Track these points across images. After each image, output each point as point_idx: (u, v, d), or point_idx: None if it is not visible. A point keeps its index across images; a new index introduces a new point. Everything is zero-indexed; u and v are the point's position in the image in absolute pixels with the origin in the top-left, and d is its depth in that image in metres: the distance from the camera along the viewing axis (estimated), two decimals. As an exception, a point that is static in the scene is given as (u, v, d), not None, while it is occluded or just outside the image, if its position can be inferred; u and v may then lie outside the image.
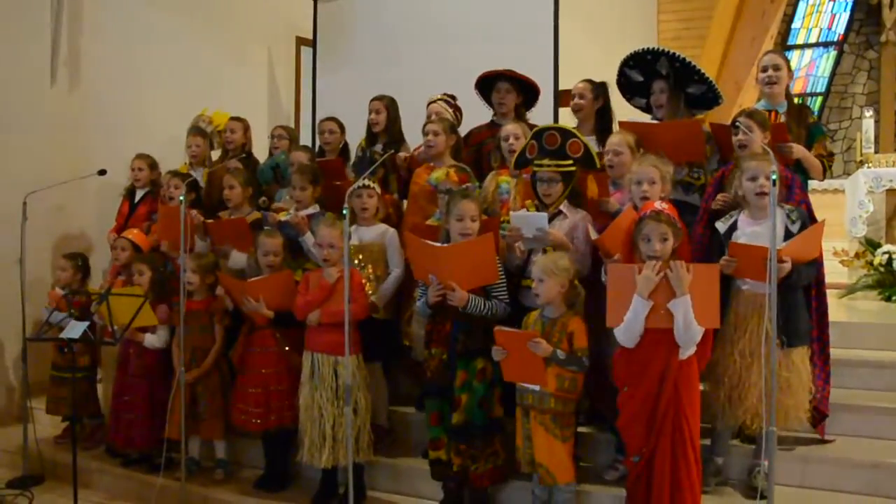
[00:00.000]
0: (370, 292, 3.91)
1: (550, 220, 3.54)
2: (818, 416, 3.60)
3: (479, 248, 3.37)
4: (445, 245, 3.46)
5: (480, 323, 3.39)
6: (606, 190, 3.77)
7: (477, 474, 3.45)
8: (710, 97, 4.20)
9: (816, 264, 3.37)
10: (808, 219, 3.39)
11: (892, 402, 3.85)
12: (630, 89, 4.40)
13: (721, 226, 3.39)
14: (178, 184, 4.59)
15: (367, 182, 3.98)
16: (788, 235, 3.24)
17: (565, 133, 3.65)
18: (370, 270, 4.00)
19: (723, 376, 3.30)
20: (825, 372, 3.60)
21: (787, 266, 3.10)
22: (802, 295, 3.39)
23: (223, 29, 6.70)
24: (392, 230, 4.08)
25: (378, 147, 4.71)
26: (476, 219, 3.49)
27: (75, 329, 3.44)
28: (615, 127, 4.28)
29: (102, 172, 4.73)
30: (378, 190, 4.08)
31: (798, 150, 3.89)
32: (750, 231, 3.31)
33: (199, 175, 5.06)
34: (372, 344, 3.86)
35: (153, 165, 5.05)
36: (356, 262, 3.97)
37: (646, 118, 4.34)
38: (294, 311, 3.75)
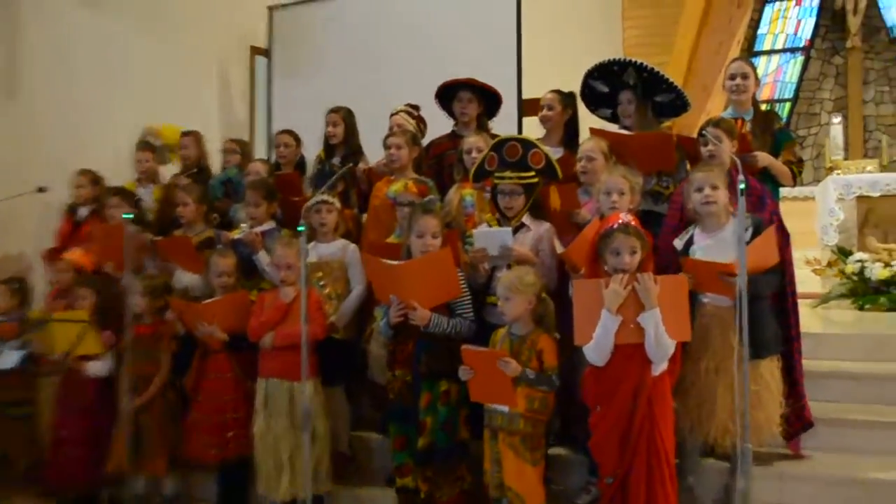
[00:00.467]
0: (330, 311, 3.86)
1: (514, 232, 3.54)
2: (802, 425, 3.62)
3: (438, 263, 3.34)
4: (400, 263, 3.43)
5: (444, 343, 3.36)
6: (574, 200, 3.78)
7: (442, 502, 3.40)
8: (678, 104, 4.26)
9: (779, 272, 3.39)
10: (763, 226, 3.41)
11: (869, 415, 3.88)
12: (594, 100, 4.43)
13: (678, 243, 3.43)
14: (118, 202, 4.50)
15: (325, 197, 3.94)
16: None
17: (526, 144, 3.66)
18: (330, 289, 3.96)
19: (690, 391, 3.31)
20: (801, 382, 3.63)
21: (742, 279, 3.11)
22: (768, 304, 3.40)
23: (173, 38, 6.60)
24: (353, 246, 4.05)
25: (336, 160, 4.69)
26: (438, 235, 3.46)
27: (9, 358, 3.33)
28: (583, 137, 4.30)
29: (42, 189, 4.62)
30: (337, 205, 4.05)
31: (763, 157, 3.94)
32: (704, 245, 3.34)
33: (149, 192, 4.98)
34: (332, 366, 3.82)
35: (96, 181, 4.92)
36: (315, 280, 3.92)
37: (612, 128, 4.36)
38: (248, 333, 3.69)
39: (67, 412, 4.15)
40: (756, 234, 3.25)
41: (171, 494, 4.12)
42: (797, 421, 3.64)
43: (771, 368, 3.36)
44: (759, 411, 3.22)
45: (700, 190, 3.33)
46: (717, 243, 3.31)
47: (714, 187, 3.31)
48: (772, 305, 3.43)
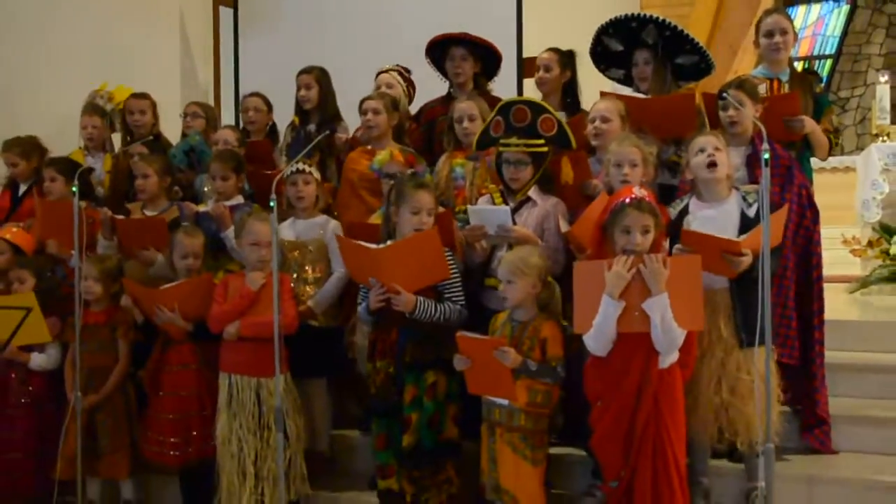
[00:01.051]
0: (308, 295, 3.93)
1: (518, 207, 3.60)
2: (816, 421, 3.73)
3: (423, 245, 3.39)
4: (380, 247, 3.47)
5: (431, 330, 3.42)
6: (587, 171, 3.81)
7: (428, 506, 3.49)
8: (701, 67, 4.30)
9: (779, 253, 3.45)
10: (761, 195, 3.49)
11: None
12: (606, 59, 4.48)
13: (672, 211, 3.47)
14: (54, 175, 4.53)
15: (302, 166, 3.98)
16: (745, 220, 3.33)
17: (536, 108, 3.69)
18: (309, 272, 4.01)
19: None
20: (822, 374, 3.75)
21: (748, 259, 3.18)
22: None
23: (125, -13, 6.63)
24: (335, 222, 4.08)
25: (311, 127, 4.72)
26: (433, 212, 3.51)
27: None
28: (583, 102, 4.36)
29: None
30: (316, 175, 4.07)
31: (809, 123, 3.96)
32: (701, 215, 3.39)
33: (99, 161, 5.00)
34: (313, 357, 3.88)
35: (27, 154, 4.87)
36: (293, 260, 3.99)
37: (624, 91, 4.41)
38: (208, 323, 3.75)
39: (8, 411, 4.18)
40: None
41: (131, 500, 4.19)
42: (812, 417, 3.75)
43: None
44: (749, 404, 3.23)
45: (703, 151, 3.37)
46: (718, 214, 3.36)
47: (717, 149, 3.35)
48: (772, 292, 3.49)
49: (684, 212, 3.45)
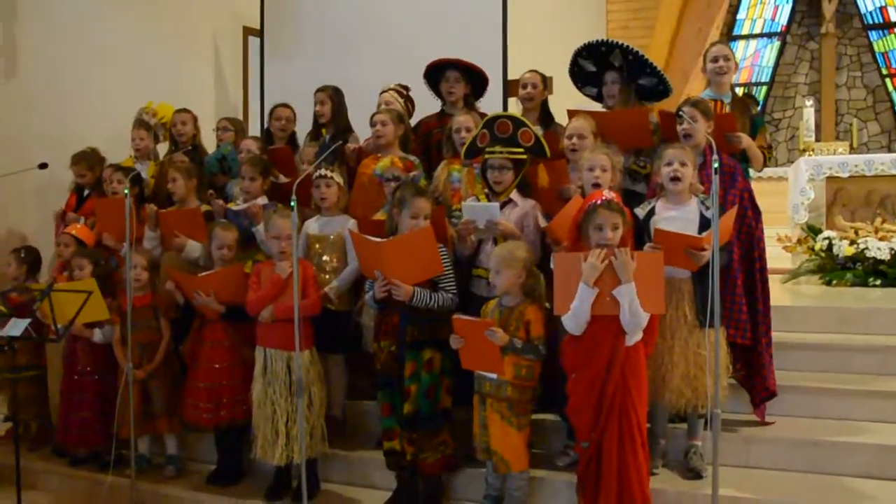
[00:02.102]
0: (329, 281, 3.90)
1: (501, 208, 3.57)
2: (768, 394, 3.72)
3: (420, 241, 3.37)
4: (384, 240, 3.45)
5: (428, 314, 3.41)
6: (564, 177, 3.80)
7: (427, 463, 3.48)
8: (660, 90, 4.29)
9: (729, 248, 3.45)
10: (729, 206, 3.48)
11: (832, 383, 3.98)
12: (582, 78, 4.46)
13: (640, 212, 3.47)
14: (121, 178, 4.51)
15: (325, 171, 3.96)
16: (703, 220, 3.33)
17: (517, 122, 3.70)
18: (328, 262, 3.98)
19: (649, 358, 3.34)
20: (769, 353, 3.73)
21: (708, 254, 3.17)
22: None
23: (168, 18, 6.55)
24: (353, 221, 4.03)
25: (326, 138, 4.68)
26: (429, 217, 3.48)
27: (16, 327, 3.36)
28: (556, 119, 4.34)
29: (43, 166, 4.63)
30: (338, 179, 4.03)
31: (746, 140, 3.98)
32: (666, 216, 3.39)
33: (145, 169, 4.97)
34: (331, 336, 3.86)
35: (92, 166, 4.92)
36: (314, 251, 3.96)
37: (596, 107, 4.40)
38: (246, 307, 3.72)
39: (76, 378, 4.22)
40: (719, 212, 3.30)
41: (174, 454, 4.19)
42: (763, 391, 3.73)
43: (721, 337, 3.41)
44: (706, 377, 3.25)
45: (669, 164, 3.37)
46: (681, 215, 3.37)
47: (683, 164, 3.36)
48: (723, 279, 3.46)
49: (651, 213, 3.44)
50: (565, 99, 4.61)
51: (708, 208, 3.34)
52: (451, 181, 4.01)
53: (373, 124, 4.28)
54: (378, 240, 3.45)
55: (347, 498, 3.76)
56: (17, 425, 3.77)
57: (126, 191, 3.84)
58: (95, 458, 4.19)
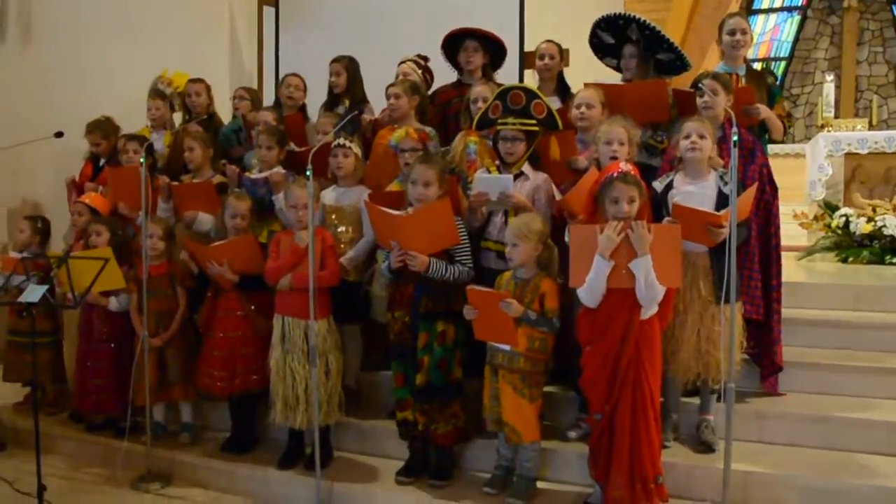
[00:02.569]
0: (344, 252, 3.90)
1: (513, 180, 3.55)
2: (775, 368, 3.72)
3: (437, 212, 3.36)
4: (402, 214, 3.44)
5: (442, 286, 3.40)
6: (573, 149, 3.78)
7: (438, 434, 3.50)
8: (678, 65, 4.25)
9: (748, 225, 3.44)
10: (748, 181, 3.46)
11: (844, 360, 3.97)
12: (602, 49, 4.42)
13: (658, 185, 3.45)
14: (136, 148, 4.51)
15: (343, 141, 3.94)
16: (721, 196, 3.30)
17: (529, 93, 3.67)
18: (343, 232, 3.97)
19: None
20: (779, 328, 3.73)
21: (726, 231, 3.14)
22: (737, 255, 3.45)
23: (183, -14, 6.54)
24: (369, 192, 4.00)
25: (341, 109, 4.67)
26: (432, 184, 3.44)
27: (34, 293, 3.38)
28: (573, 91, 4.30)
29: (59, 135, 4.63)
30: (354, 149, 4.01)
31: (764, 110, 3.94)
32: (684, 190, 3.37)
33: (160, 138, 4.97)
34: (348, 306, 3.86)
35: (107, 135, 4.91)
36: (330, 221, 3.95)
37: (616, 78, 4.36)
38: (264, 276, 3.72)
39: (93, 346, 4.25)
40: (738, 189, 3.28)
41: (189, 421, 4.24)
42: (770, 365, 3.74)
43: (735, 312, 3.35)
44: (719, 351, 3.24)
45: (688, 137, 3.34)
46: (699, 190, 3.34)
47: (701, 136, 3.33)
48: (740, 254, 3.45)
49: (669, 186, 3.41)
50: (581, 72, 4.58)
51: (727, 184, 3.29)
52: (467, 152, 3.98)
53: (387, 97, 4.25)
54: (394, 212, 3.43)
55: (360, 466, 3.80)
56: (36, 390, 3.81)
57: (142, 160, 3.84)
58: (112, 425, 4.24)
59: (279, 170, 4.19)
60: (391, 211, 3.45)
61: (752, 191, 3.35)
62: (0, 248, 5.32)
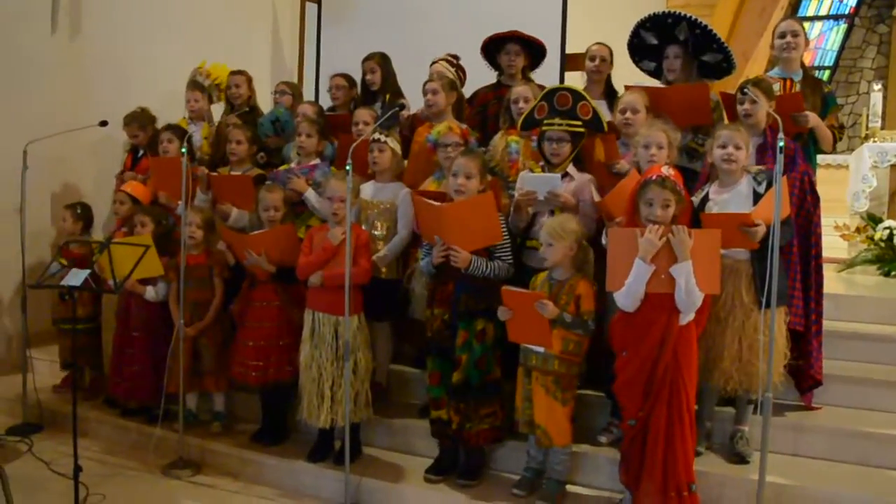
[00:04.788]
0: (374, 250, 3.91)
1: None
2: (813, 382, 3.66)
3: (480, 206, 3.36)
4: (445, 204, 3.44)
5: (483, 284, 3.40)
6: (616, 152, 3.77)
7: (472, 433, 3.49)
8: (723, 67, 4.20)
9: (790, 222, 3.36)
10: (794, 189, 3.42)
11: (884, 375, 3.89)
12: (641, 52, 4.39)
13: (695, 199, 3.41)
14: (171, 137, 4.59)
15: (378, 135, 3.95)
16: (757, 197, 3.25)
17: (576, 95, 3.67)
18: (378, 227, 3.99)
19: (700, 339, 3.30)
20: (818, 341, 3.66)
21: (763, 229, 3.12)
22: (780, 258, 3.39)
23: (226, -19, 6.63)
24: (406, 189, 4.02)
25: (378, 105, 4.70)
26: (472, 176, 3.44)
27: (77, 277, 3.45)
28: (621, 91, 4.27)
29: (104, 124, 4.70)
30: (392, 145, 4.02)
31: (813, 119, 3.88)
32: (719, 199, 3.34)
33: (198, 129, 5.04)
34: (379, 304, 3.88)
35: (144, 126, 5.00)
36: (365, 216, 3.97)
37: (652, 83, 4.32)
38: (296, 271, 3.75)
39: (129, 333, 4.31)
40: (770, 187, 3.22)
41: (221, 411, 4.28)
42: (809, 378, 3.68)
43: (779, 320, 3.34)
44: (761, 361, 3.16)
45: (723, 147, 3.30)
46: (733, 196, 3.31)
47: (737, 147, 3.28)
48: (783, 260, 3.39)
49: (705, 199, 3.39)
50: (619, 77, 4.56)
51: (759, 183, 3.27)
52: (508, 152, 3.98)
53: (424, 93, 4.26)
54: (436, 203, 3.44)
55: (389, 463, 3.81)
56: (76, 374, 3.88)
57: (184, 150, 3.90)
58: (145, 411, 4.29)
59: (312, 161, 4.24)
60: (435, 202, 3.45)
61: (786, 185, 3.26)
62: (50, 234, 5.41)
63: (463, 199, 3.43)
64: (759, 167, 3.39)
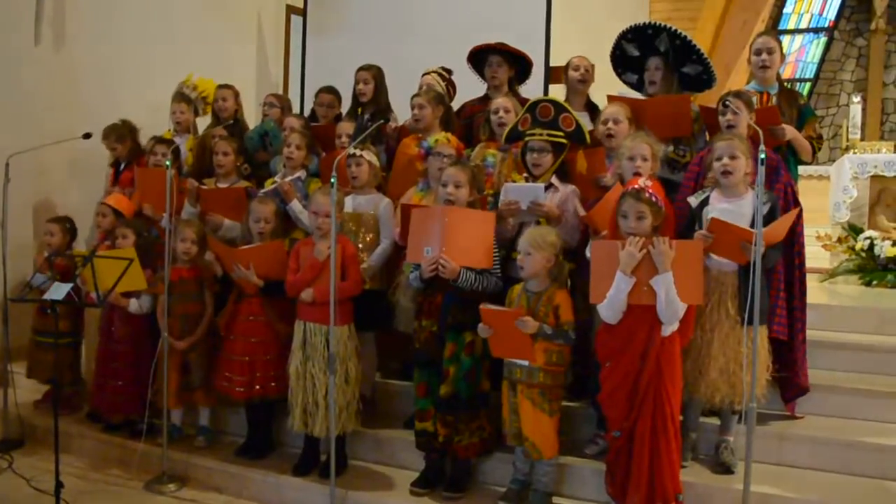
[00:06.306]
0: (364, 262, 3.92)
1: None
2: (799, 390, 3.68)
3: (481, 222, 3.38)
4: (448, 206, 3.44)
5: (471, 297, 3.40)
6: (602, 165, 3.78)
7: (461, 446, 3.48)
8: (703, 79, 4.24)
9: (781, 247, 3.40)
10: (779, 201, 3.44)
11: (866, 384, 3.92)
12: (623, 63, 4.42)
13: (693, 200, 3.43)
14: (165, 150, 4.57)
15: (354, 150, 3.96)
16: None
17: (558, 106, 3.71)
18: (363, 237, 3.99)
19: (687, 350, 3.33)
20: (803, 350, 3.70)
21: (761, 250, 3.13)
22: (764, 278, 3.41)
23: (212, -5, 6.63)
24: (387, 200, 4.05)
25: (367, 117, 4.69)
26: (462, 185, 3.48)
27: (59, 291, 3.42)
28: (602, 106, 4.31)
29: (87, 136, 4.66)
30: (368, 158, 4.03)
31: (790, 131, 3.93)
32: (721, 207, 3.34)
33: (183, 142, 5.02)
34: (364, 314, 3.87)
35: (122, 138, 4.97)
36: (348, 230, 3.97)
37: (633, 95, 4.35)
38: (286, 289, 3.74)
39: (112, 346, 4.26)
40: (772, 210, 3.26)
41: (206, 425, 4.25)
42: (795, 387, 3.70)
43: (762, 334, 3.37)
44: (747, 373, 3.18)
45: (719, 159, 3.33)
46: (735, 209, 3.32)
47: (733, 157, 3.30)
48: (767, 273, 3.43)
49: (705, 202, 3.40)
50: (598, 91, 4.58)
51: (764, 203, 3.26)
52: (484, 165, 3.99)
53: (412, 107, 4.27)
54: (438, 206, 3.44)
55: (374, 475, 3.79)
56: (59, 389, 3.83)
57: (168, 163, 3.88)
58: (128, 426, 4.26)
59: (297, 174, 4.23)
60: (433, 206, 3.45)
61: (792, 215, 3.32)
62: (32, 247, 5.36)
63: (468, 208, 3.45)
64: (765, 190, 3.40)
